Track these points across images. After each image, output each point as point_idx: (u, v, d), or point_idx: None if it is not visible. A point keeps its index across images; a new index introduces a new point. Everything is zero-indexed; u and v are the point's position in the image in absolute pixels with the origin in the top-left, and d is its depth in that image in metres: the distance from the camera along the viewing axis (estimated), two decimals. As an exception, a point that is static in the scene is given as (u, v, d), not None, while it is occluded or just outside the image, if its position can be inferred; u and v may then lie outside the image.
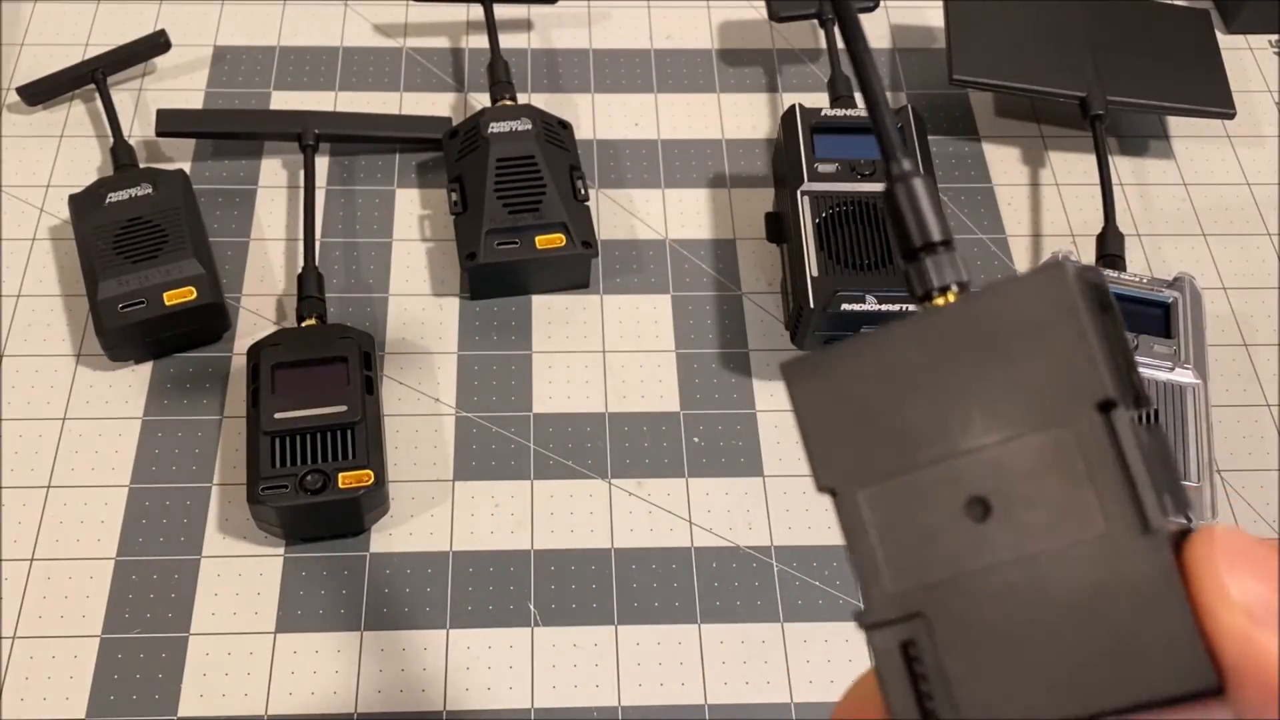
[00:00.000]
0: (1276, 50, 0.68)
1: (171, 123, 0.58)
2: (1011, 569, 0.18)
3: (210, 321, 0.53)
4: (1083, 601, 0.18)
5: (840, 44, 0.62)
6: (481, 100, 0.62)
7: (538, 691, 0.45)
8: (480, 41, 0.65)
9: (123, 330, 0.51)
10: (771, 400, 0.53)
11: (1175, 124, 0.64)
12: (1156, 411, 0.48)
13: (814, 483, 0.20)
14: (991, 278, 0.19)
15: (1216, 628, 0.17)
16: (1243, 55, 0.68)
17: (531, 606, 0.47)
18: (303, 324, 0.52)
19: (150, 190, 0.54)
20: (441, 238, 0.58)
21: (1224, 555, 0.17)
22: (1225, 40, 0.67)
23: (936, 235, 0.21)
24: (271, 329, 0.54)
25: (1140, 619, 0.17)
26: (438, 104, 0.63)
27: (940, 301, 0.20)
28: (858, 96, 0.60)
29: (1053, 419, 0.18)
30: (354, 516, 0.48)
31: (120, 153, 0.57)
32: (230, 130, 0.60)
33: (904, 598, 0.19)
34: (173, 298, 0.51)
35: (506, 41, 0.64)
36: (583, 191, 0.56)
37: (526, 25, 0.67)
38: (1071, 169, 0.62)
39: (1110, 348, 0.19)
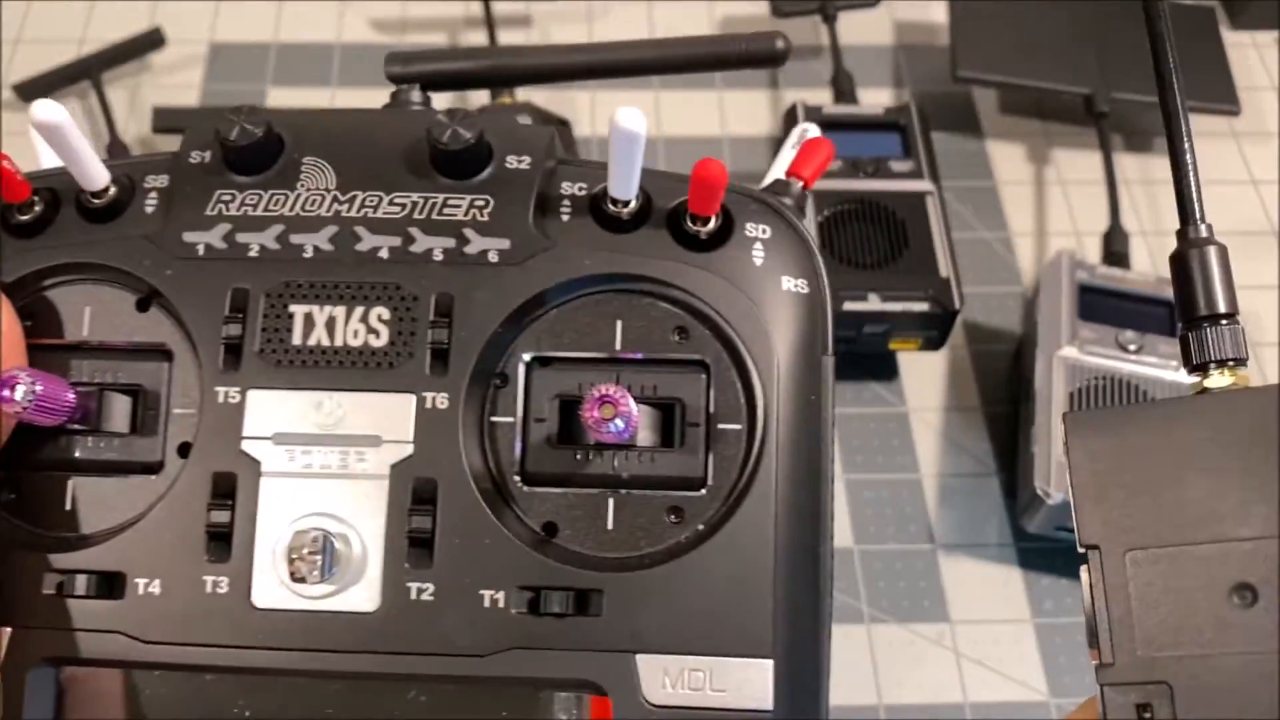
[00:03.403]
0: (1282, 47, 0.68)
1: (168, 120, 0.58)
2: (1267, 660, 0.19)
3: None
4: None
5: (856, 41, 0.62)
6: (480, 98, 0.61)
7: (537, 695, 0.45)
8: (479, 38, 0.64)
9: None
10: (773, 400, 0.53)
11: (1180, 121, 0.64)
12: None
13: (1077, 538, 0.21)
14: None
15: None
16: (1247, 52, 0.67)
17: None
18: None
19: (146, 188, 0.54)
20: (440, 236, 0.57)
21: None
22: (1230, 37, 0.66)
23: (1223, 307, 0.21)
24: (268, 328, 0.53)
25: None
26: (435, 101, 0.63)
27: (1218, 375, 0.21)
28: (861, 94, 0.60)
29: None
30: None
31: (116, 150, 0.57)
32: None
33: (1152, 664, 0.19)
34: (168, 297, 0.51)
35: (505, 38, 0.64)
36: (583, 189, 0.55)
37: (525, 21, 0.66)
38: (1076, 166, 0.62)
39: None
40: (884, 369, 0.54)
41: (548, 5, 0.66)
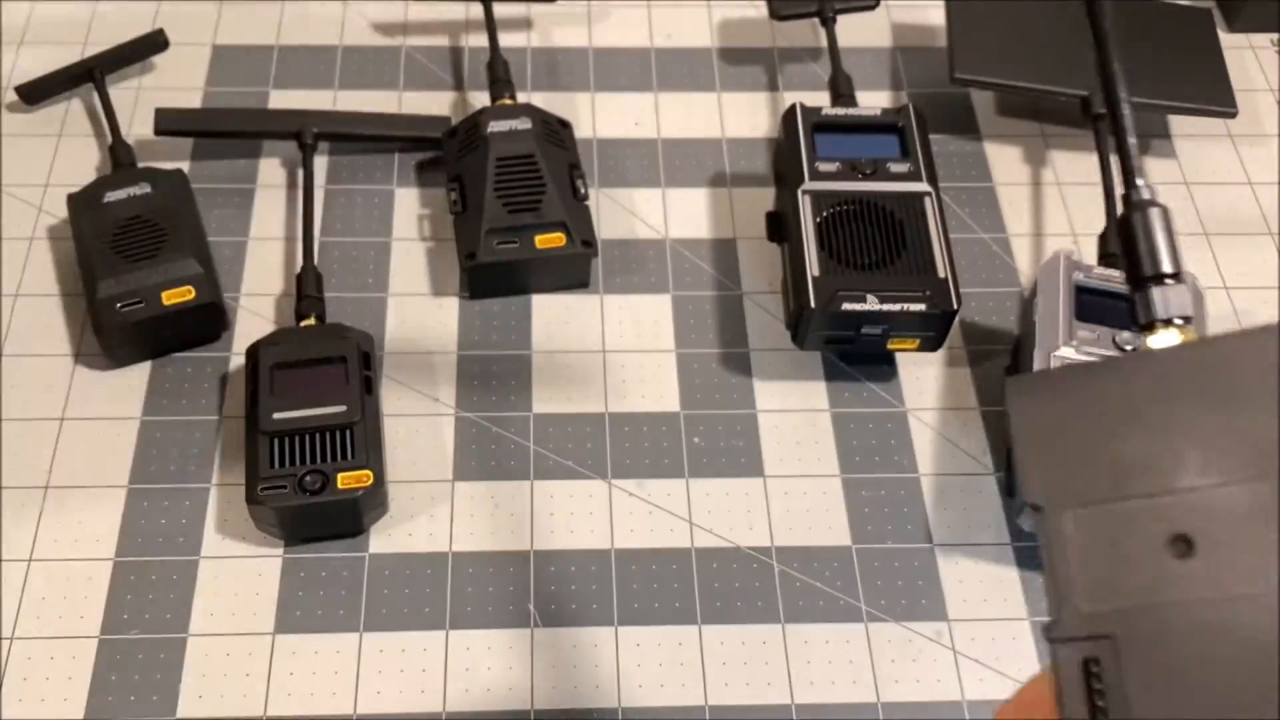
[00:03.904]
0: (1278, 49, 0.68)
1: (170, 122, 0.58)
2: (1205, 608, 0.19)
3: (209, 321, 0.53)
4: (1267, 649, 0.18)
5: (854, 44, 0.62)
6: (481, 99, 0.62)
7: (538, 692, 0.45)
8: (480, 40, 0.65)
9: (121, 330, 0.51)
10: (772, 400, 0.53)
11: (1177, 123, 0.64)
12: None
13: (1023, 496, 0.21)
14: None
15: None
16: (1244, 54, 0.68)
17: (531, 607, 0.47)
18: (302, 324, 0.52)
19: (149, 189, 0.54)
20: (441, 237, 0.58)
21: None
22: (1227, 39, 0.67)
23: (1168, 267, 0.22)
24: (270, 329, 0.53)
25: None
26: (437, 103, 0.63)
27: (1164, 334, 0.21)
28: (860, 96, 0.60)
29: (1267, 471, 0.19)
30: (353, 517, 0.47)
31: (119, 152, 0.57)
32: (229, 129, 0.60)
33: (1095, 618, 0.20)
34: (171, 297, 0.51)
35: (506, 40, 0.64)
36: (582, 191, 0.56)
37: (526, 24, 0.67)
38: (1073, 168, 0.62)
39: None
40: (882, 369, 0.54)
41: (548, 7, 0.67)
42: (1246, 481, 0.19)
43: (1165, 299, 0.21)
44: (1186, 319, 0.21)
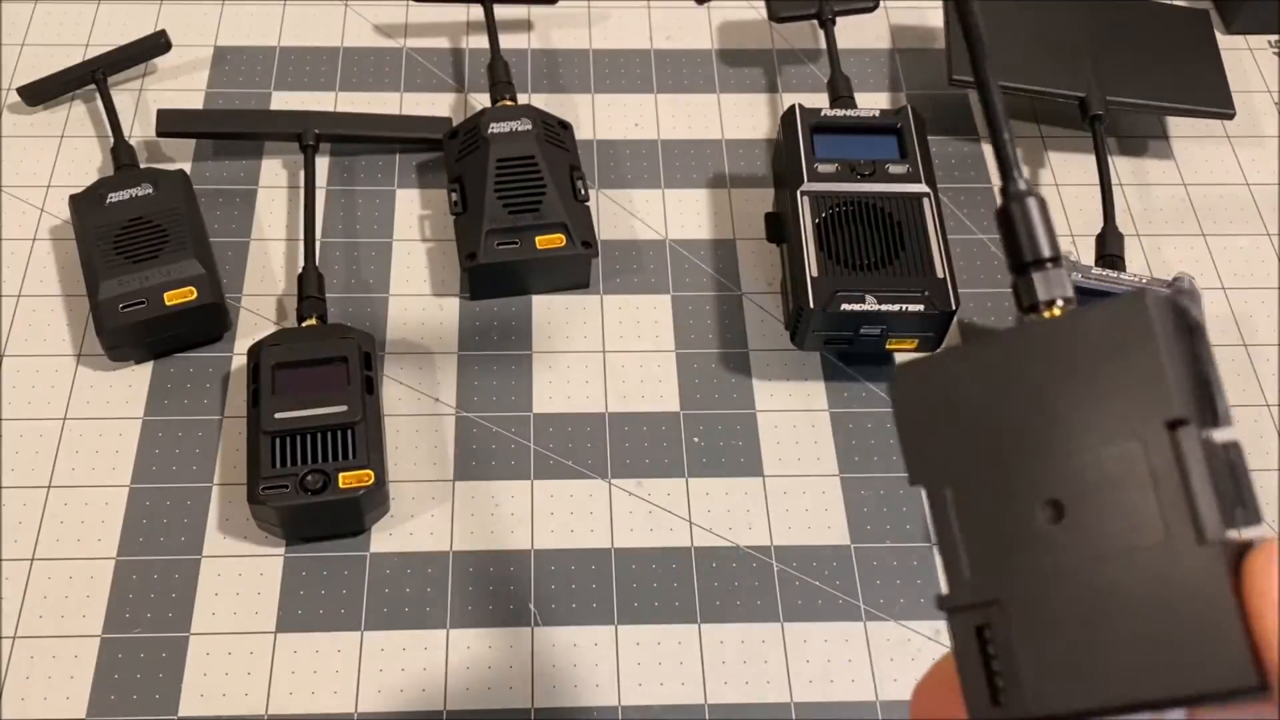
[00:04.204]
0: (1276, 50, 0.69)
1: (172, 123, 0.59)
2: (1079, 569, 0.20)
3: (210, 321, 0.53)
4: (1141, 602, 0.19)
5: (853, 45, 0.62)
6: (481, 100, 0.62)
7: (538, 691, 0.46)
8: (480, 42, 0.65)
9: (123, 330, 0.51)
10: (771, 400, 0.53)
11: (1175, 124, 0.64)
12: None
13: (908, 478, 0.22)
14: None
15: (1263, 632, 0.18)
16: (1242, 55, 0.68)
17: (531, 606, 0.47)
18: (303, 324, 0.52)
19: (151, 190, 0.54)
20: (441, 238, 0.58)
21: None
22: (1225, 40, 0.67)
23: (1046, 251, 0.22)
24: (272, 329, 0.54)
25: (1193, 621, 0.19)
26: (438, 104, 0.63)
27: (1046, 316, 0.22)
28: (859, 97, 0.60)
29: (1126, 434, 0.20)
30: (354, 516, 0.48)
31: (121, 153, 0.57)
32: (230, 130, 0.60)
33: (981, 586, 0.21)
34: (173, 298, 0.51)
35: (506, 42, 0.64)
36: (583, 192, 0.56)
37: (526, 25, 0.67)
38: (1071, 169, 0.62)
39: (1188, 369, 0.20)
40: (881, 369, 0.54)
41: (548, 9, 0.67)
42: (1105, 446, 0.20)
43: (1046, 282, 0.22)
44: (1068, 300, 0.22)
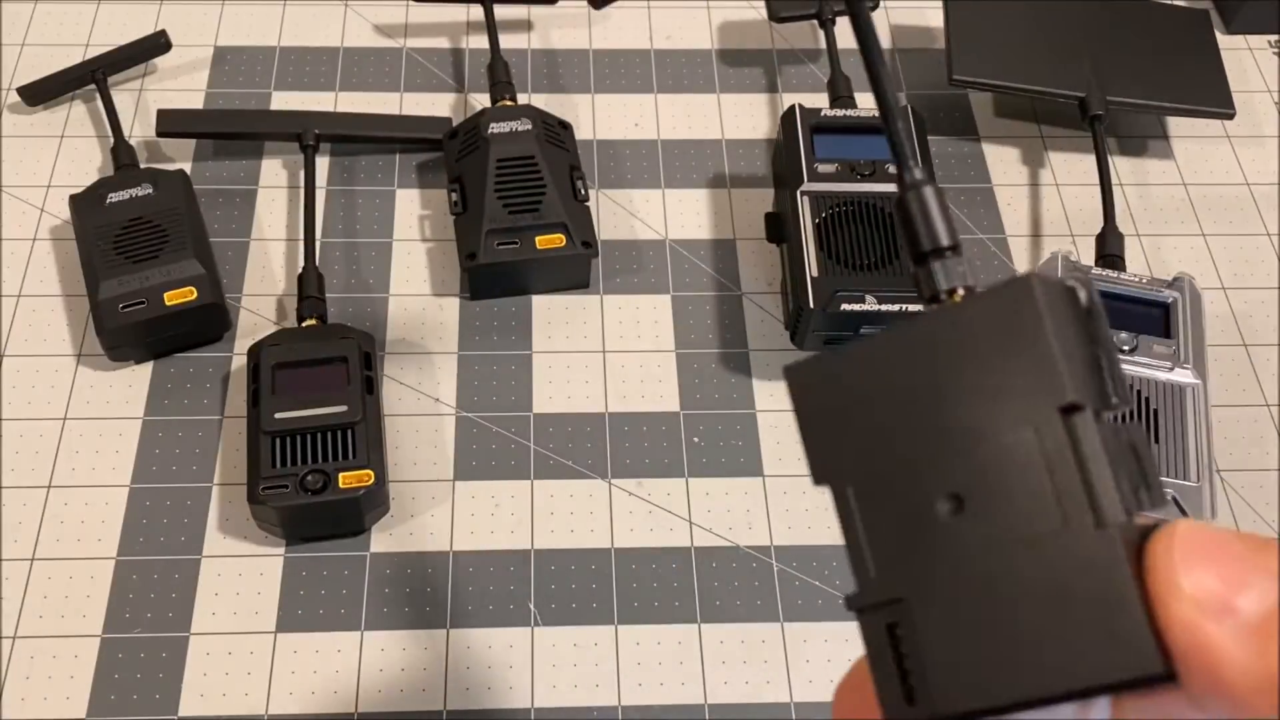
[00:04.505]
0: (1276, 50, 0.69)
1: (172, 123, 0.59)
2: (981, 562, 0.19)
3: (211, 321, 0.53)
4: (1043, 591, 0.19)
5: (853, 45, 0.62)
6: (481, 100, 0.62)
7: (538, 691, 0.46)
8: (480, 42, 0.65)
9: (123, 330, 0.51)
10: (771, 400, 0.53)
11: (1175, 124, 0.64)
12: (1157, 411, 0.48)
13: (810, 477, 0.22)
14: (990, 279, 0.20)
15: (1167, 618, 0.17)
16: (1242, 55, 0.68)
17: (532, 606, 0.47)
18: (303, 324, 0.52)
19: (151, 190, 0.54)
20: (441, 238, 0.58)
21: (1180, 549, 0.18)
22: (1225, 40, 0.67)
23: (945, 241, 0.22)
24: (272, 329, 0.54)
25: (1097, 610, 0.18)
26: (438, 104, 0.63)
27: (948, 303, 0.21)
28: (859, 97, 0.60)
29: (1022, 422, 0.19)
30: (354, 516, 0.48)
31: (121, 153, 0.57)
32: (231, 130, 0.60)
33: (888, 584, 0.20)
34: (173, 298, 0.51)
35: (506, 42, 0.64)
36: (583, 191, 0.56)
37: (526, 25, 0.67)
38: (1071, 169, 0.62)
39: (1082, 352, 0.20)
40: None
41: (548, 9, 0.67)
42: (1000, 434, 0.20)
43: (946, 271, 0.22)
44: (969, 288, 0.22)
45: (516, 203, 0.54)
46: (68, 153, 0.60)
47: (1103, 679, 0.18)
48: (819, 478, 0.22)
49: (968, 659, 0.19)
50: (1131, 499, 0.19)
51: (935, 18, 0.68)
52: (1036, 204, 0.61)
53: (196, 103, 0.63)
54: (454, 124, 0.60)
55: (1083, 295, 0.21)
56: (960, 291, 0.22)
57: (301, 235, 0.56)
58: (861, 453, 0.21)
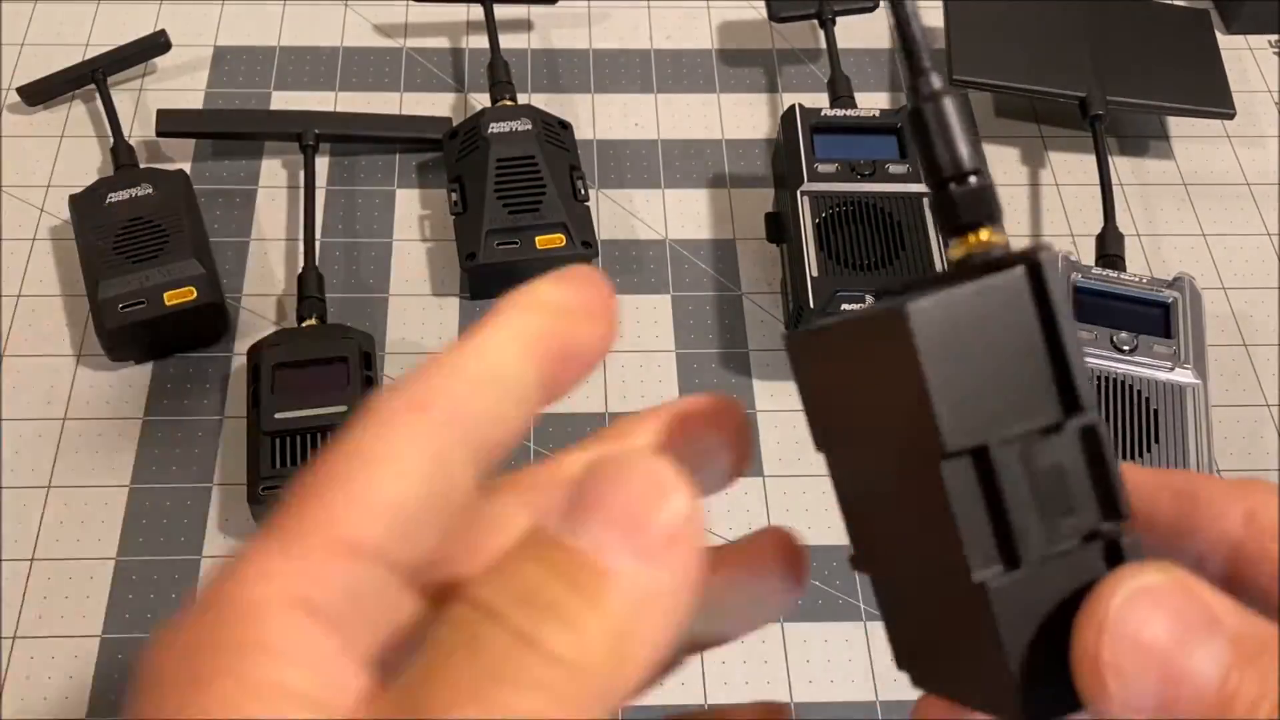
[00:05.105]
0: (1276, 51, 0.69)
1: (172, 123, 0.59)
2: (915, 560, 0.19)
3: (210, 321, 0.53)
4: (953, 611, 0.19)
5: (853, 45, 0.62)
6: (481, 100, 0.62)
7: (538, 691, 0.45)
8: (480, 41, 0.65)
9: (123, 330, 0.51)
10: (772, 400, 0.53)
11: (1175, 124, 0.64)
12: (1157, 411, 0.48)
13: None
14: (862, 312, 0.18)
15: (1078, 658, 0.17)
16: (1242, 55, 0.68)
17: (531, 606, 0.47)
18: (303, 324, 0.52)
19: (151, 190, 0.54)
20: (441, 238, 0.58)
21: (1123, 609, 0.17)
22: (1225, 40, 0.67)
23: (968, 164, 0.19)
24: (272, 329, 0.54)
25: (979, 645, 0.18)
26: (438, 104, 0.63)
27: (971, 239, 0.19)
28: (859, 97, 0.60)
29: (912, 456, 0.18)
30: (354, 516, 0.47)
31: (120, 153, 0.57)
32: (230, 130, 0.60)
33: (872, 552, 0.21)
34: (173, 298, 0.51)
35: (506, 42, 0.64)
36: (583, 191, 0.56)
37: (526, 25, 0.67)
38: (1071, 169, 0.62)
39: (1003, 374, 0.18)
40: (881, 369, 0.54)
41: (548, 9, 0.67)
42: (906, 461, 0.19)
43: (965, 201, 0.19)
44: (993, 220, 0.19)
45: (516, 203, 0.54)
46: (67, 153, 0.60)
47: (986, 704, 0.19)
48: (817, 444, 0.21)
49: (918, 640, 0.20)
50: (1048, 529, 0.17)
51: (936, 18, 0.68)
52: (1036, 204, 0.61)
53: (196, 103, 0.63)
54: (454, 124, 0.60)
55: (1052, 290, 0.18)
56: (986, 225, 0.19)
57: (301, 235, 0.56)
58: (852, 421, 0.20)
